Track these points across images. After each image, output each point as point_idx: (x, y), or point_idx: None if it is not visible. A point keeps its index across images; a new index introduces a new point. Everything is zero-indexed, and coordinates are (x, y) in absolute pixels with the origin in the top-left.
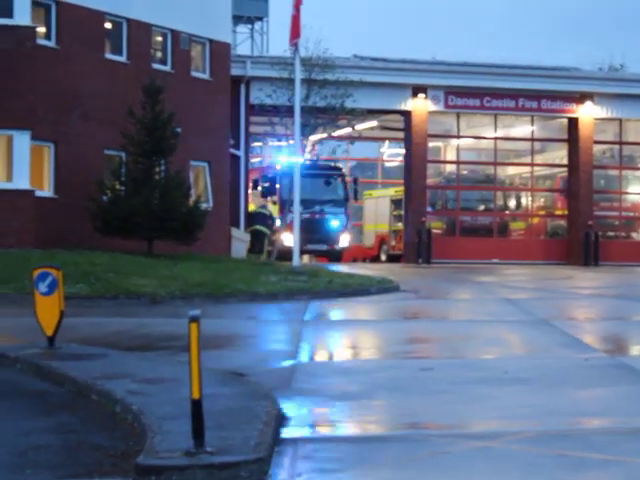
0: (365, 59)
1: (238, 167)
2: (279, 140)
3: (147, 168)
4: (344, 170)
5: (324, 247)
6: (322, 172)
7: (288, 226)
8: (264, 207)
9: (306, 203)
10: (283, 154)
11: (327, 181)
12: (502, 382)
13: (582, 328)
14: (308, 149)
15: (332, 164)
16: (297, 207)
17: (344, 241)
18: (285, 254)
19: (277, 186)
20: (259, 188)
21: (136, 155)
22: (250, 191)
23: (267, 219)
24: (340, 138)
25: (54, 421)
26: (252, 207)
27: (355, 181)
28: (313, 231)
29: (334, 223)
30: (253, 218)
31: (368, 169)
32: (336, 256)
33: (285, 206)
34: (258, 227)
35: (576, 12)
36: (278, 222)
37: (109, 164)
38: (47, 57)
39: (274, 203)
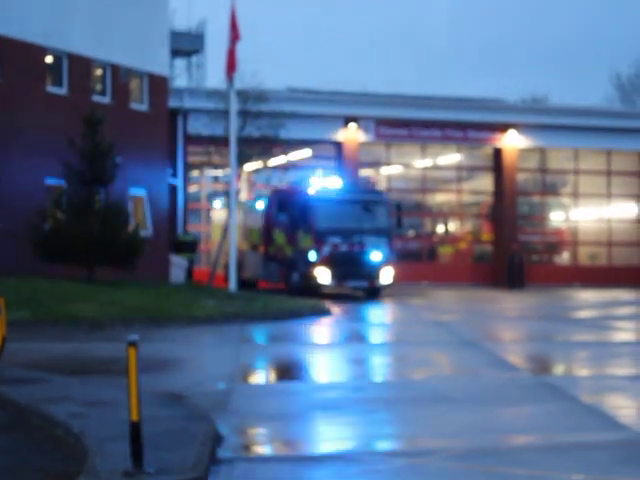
0: (298, 91)
1: (176, 195)
2: (215, 169)
3: (87, 197)
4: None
5: (364, 283)
6: (362, 197)
7: (323, 260)
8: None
9: (344, 233)
10: (315, 175)
11: (368, 208)
12: (432, 401)
13: (507, 349)
14: (244, 177)
15: (373, 187)
16: (233, 235)
17: (386, 277)
18: (318, 290)
19: (309, 214)
20: (284, 213)
21: (76, 184)
22: (269, 212)
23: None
24: (274, 167)
25: None
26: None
27: (398, 207)
28: (352, 265)
29: (375, 256)
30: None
31: None
32: (376, 294)
33: (320, 237)
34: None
35: (500, 45)
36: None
37: (50, 193)
38: None
39: (306, 233)
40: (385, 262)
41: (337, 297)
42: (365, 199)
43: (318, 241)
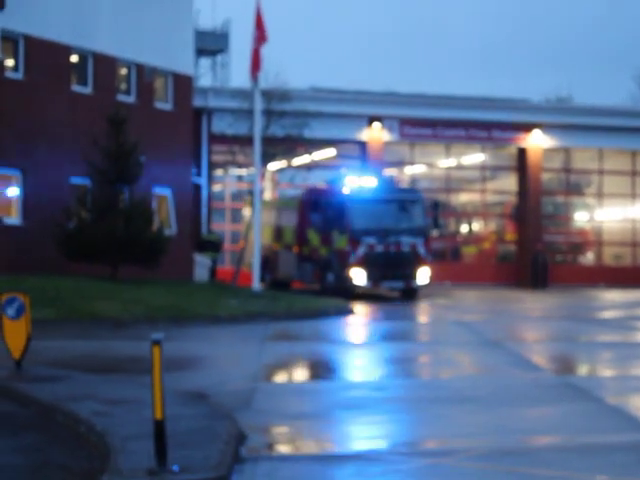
0: (322, 90)
1: (200, 194)
2: (239, 168)
3: (111, 196)
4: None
5: (400, 284)
6: (398, 196)
7: (359, 261)
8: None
9: (380, 233)
10: (351, 174)
11: (404, 207)
12: (455, 401)
13: (531, 349)
14: (267, 177)
15: (409, 186)
16: (257, 234)
17: (423, 277)
18: (353, 291)
19: (345, 214)
20: (319, 213)
21: (101, 183)
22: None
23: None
24: (298, 166)
25: (20, 441)
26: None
27: (435, 206)
28: (388, 266)
29: (412, 256)
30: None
31: None
32: (412, 294)
33: (356, 238)
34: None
35: (517, 45)
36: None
37: (75, 192)
38: (14, 89)
39: (341, 233)
40: (421, 263)
41: (369, 297)
42: (401, 198)
43: (353, 241)
